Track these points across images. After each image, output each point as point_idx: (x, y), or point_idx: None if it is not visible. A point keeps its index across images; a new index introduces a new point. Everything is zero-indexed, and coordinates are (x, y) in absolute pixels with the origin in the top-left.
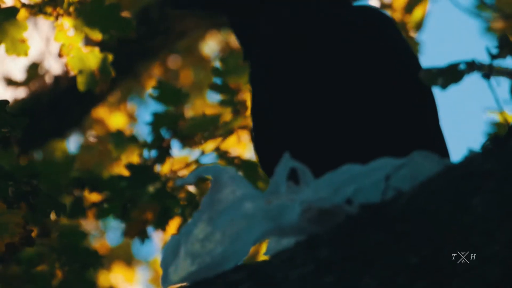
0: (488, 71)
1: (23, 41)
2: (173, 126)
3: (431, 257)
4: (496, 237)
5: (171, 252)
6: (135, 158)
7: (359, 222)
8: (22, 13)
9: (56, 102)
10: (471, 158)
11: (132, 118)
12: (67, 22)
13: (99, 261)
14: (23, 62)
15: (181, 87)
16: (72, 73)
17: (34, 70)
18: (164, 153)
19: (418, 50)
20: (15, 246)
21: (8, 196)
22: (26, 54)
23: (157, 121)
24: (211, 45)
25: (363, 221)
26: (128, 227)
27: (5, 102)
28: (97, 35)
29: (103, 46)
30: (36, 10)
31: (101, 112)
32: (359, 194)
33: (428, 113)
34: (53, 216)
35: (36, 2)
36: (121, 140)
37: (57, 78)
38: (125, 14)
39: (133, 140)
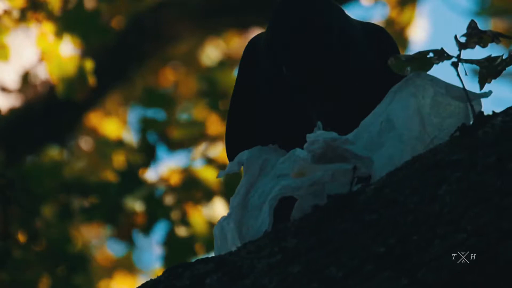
0: (456, 60)
1: (3, 46)
2: (160, 131)
3: (398, 246)
4: (463, 226)
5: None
6: (122, 163)
7: (326, 212)
8: (10, 21)
9: (49, 110)
10: (438, 148)
11: (125, 124)
12: (47, 28)
13: (85, 265)
14: (16, 70)
15: (167, 92)
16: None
17: (27, 78)
18: (150, 158)
19: (408, 47)
20: None
21: None
22: (6, 58)
23: (144, 126)
24: (209, 53)
25: (331, 211)
26: (116, 231)
27: None
28: (77, 41)
29: (93, 52)
30: (17, 16)
31: (93, 118)
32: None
33: None
34: (39, 222)
35: (18, 8)
36: (109, 145)
37: (49, 86)
38: (118, 20)
39: (120, 145)
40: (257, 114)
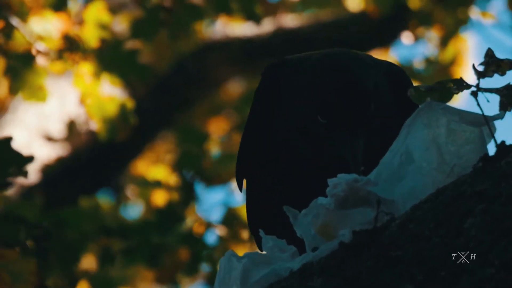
0: (476, 89)
1: (41, 88)
2: (196, 166)
3: (426, 282)
4: (490, 260)
5: None
6: (161, 202)
7: (352, 248)
8: (58, 67)
9: (94, 158)
10: (462, 179)
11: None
12: (85, 69)
13: None
14: (62, 119)
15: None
16: (92, 121)
17: (72, 126)
18: (189, 196)
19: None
20: None
21: (20, 241)
22: (44, 100)
23: (181, 162)
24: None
25: (356, 248)
26: (158, 273)
27: (9, 138)
28: (115, 81)
29: (137, 97)
30: (54, 57)
31: (140, 166)
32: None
33: None
34: (80, 267)
35: (54, 49)
36: (146, 184)
37: (94, 133)
38: (161, 64)
39: (157, 184)
40: (270, 144)
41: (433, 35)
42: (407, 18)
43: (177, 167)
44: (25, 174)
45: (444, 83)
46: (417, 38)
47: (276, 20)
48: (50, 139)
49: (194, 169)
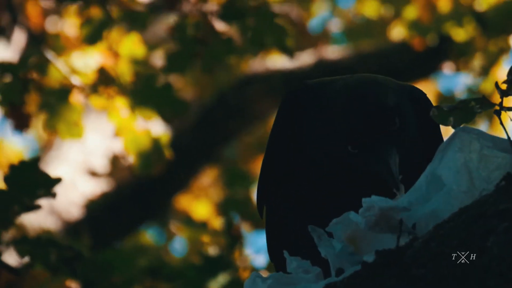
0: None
1: (77, 124)
2: (242, 210)
3: None
4: None
5: None
6: (206, 246)
7: (375, 268)
8: (98, 102)
9: (138, 192)
10: (484, 198)
11: (216, 206)
12: (120, 103)
13: None
14: (105, 153)
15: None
16: (129, 155)
17: (115, 161)
18: (235, 240)
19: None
20: None
21: (50, 262)
22: (80, 136)
23: (226, 206)
24: None
25: (379, 267)
26: None
27: (36, 159)
28: (149, 115)
29: (178, 130)
30: (88, 91)
31: (184, 201)
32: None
33: None
34: None
35: (88, 84)
36: (191, 225)
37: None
38: (203, 97)
39: (203, 227)
40: (292, 166)
41: (474, 64)
42: (449, 48)
43: (223, 210)
44: (53, 195)
45: (467, 102)
46: (459, 68)
47: (317, 52)
48: (94, 174)
49: (240, 213)
